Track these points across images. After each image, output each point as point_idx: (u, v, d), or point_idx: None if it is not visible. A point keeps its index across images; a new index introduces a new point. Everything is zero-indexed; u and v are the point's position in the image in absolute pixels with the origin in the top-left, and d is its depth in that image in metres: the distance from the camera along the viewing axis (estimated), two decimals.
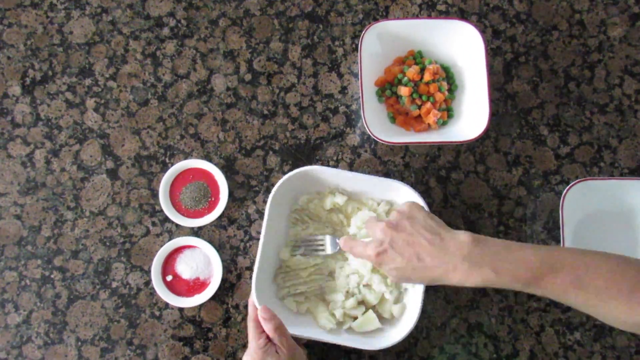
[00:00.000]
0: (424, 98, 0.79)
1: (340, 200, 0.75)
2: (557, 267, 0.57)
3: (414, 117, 0.80)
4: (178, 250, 0.79)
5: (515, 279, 0.58)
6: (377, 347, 0.71)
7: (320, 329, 0.73)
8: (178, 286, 0.78)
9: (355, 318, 0.74)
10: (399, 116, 0.81)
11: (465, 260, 0.59)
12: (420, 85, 0.79)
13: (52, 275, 0.78)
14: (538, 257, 0.58)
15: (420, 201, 0.71)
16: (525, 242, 0.63)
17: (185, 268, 0.78)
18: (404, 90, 0.78)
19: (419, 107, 0.79)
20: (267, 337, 0.66)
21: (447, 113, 0.80)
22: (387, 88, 0.81)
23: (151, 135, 0.82)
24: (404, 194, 0.74)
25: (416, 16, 0.86)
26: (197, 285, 0.78)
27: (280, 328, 0.65)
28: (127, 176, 0.81)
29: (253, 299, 0.70)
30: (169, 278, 0.78)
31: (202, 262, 0.78)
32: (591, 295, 0.57)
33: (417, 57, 0.81)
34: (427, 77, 0.78)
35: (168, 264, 0.79)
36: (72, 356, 0.77)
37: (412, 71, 0.78)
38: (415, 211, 0.64)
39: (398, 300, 0.74)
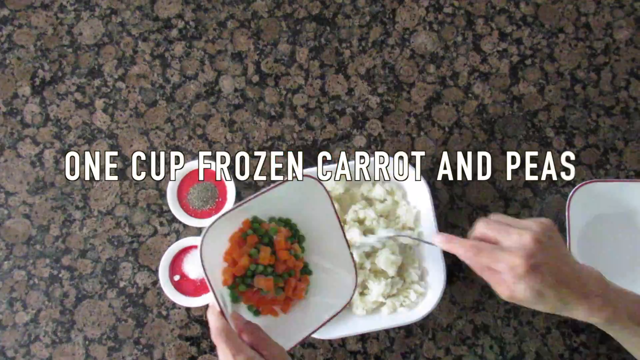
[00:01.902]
0: (284, 276, 0.63)
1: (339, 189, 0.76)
2: None
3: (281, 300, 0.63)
4: (185, 250, 0.79)
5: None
6: (410, 320, 0.72)
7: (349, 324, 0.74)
8: (185, 286, 0.78)
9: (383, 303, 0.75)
10: (264, 306, 0.63)
11: (600, 297, 0.55)
12: (278, 265, 0.62)
13: (60, 275, 0.79)
14: None
15: (424, 185, 0.72)
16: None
17: (192, 268, 0.79)
18: (265, 284, 0.60)
19: (283, 289, 0.63)
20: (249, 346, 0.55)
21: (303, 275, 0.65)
22: (239, 283, 0.61)
23: (159, 136, 0.82)
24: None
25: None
26: (204, 286, 0.79)
27: (259, 331, 0.56)
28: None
29: (215, 305, 0.57)
30: (176, 278, 0.79)
31: None
32: None
33: (255, 227, 0.63)
34: (282, 254, 0.62)
35: (175, 264, 0.79)
36: (79, 355, 0.77)
37: (265, 256, 0.60)
38: (557, 231, 0.56)
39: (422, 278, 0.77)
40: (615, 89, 0.85)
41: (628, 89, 0.85)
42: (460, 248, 0.56)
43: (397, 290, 0.75)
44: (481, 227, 0.57)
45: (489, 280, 0.56)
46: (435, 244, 0.59)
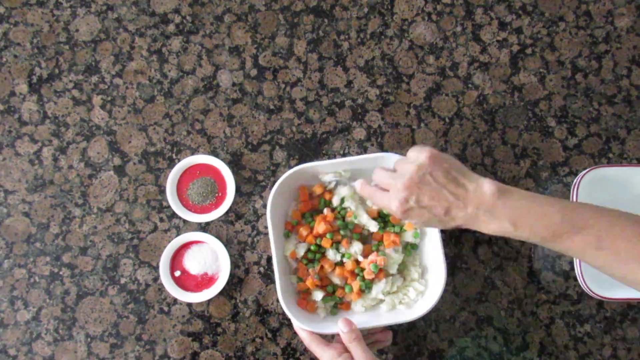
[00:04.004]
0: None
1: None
2: (578, 226, 0.57)
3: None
4: (186, 245, 0.79)
5: (533, 234, 0.58)
6: (408, 318, 0.71)
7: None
8: (186, 282, 0.78)
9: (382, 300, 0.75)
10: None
11: (487, 212, 0.59)
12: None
13: (61, 272, 0.79)
14: (559, 215, 0.58)
15: None
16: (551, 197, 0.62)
17: (193, 263, 0.78)
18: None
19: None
20: (336, 349, 0.67)
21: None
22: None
23: (158, 132, 0.82)
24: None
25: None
26: (205, 281, 0.78)
27: (359, 338, 0.67)
28: (134, 172, 0.81)
29: (297, 325, 0.71)
30: (177, 274, 0.78)
31: (210, 258, 0.79)
32: (611, 256, 0.56)
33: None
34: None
35: (176, 260, 0.79)
36: (81, 352, 0.77)
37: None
38: (438, 162, 0.62)
39: (422, 276, 0.76)
40: (617, 77, 0.84)
41: (630, 77, 0.84)
42: (363, 191, 0.70)
43: (397, 287, 0.75)
44: (377, 175, 0.68)
45: None
46: (355, 185, 0.71)
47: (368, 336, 0.72)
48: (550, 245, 0.59)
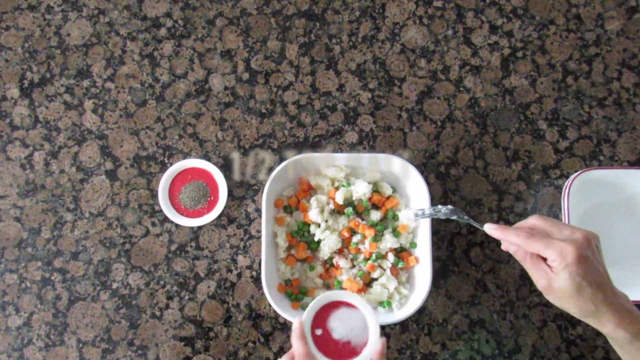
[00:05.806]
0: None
1: (339, 174, 0.76)
2: None
3: None
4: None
5: (635, 333, 0.55)
6: (392, 320, 0.71)
7: None
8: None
9: None
10: None
11: (631, 312, 0.55)
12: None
13: (52, 277, 0.78)
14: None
15: (412, 167, 0.74)
16: None
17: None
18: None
19: None
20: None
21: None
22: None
23: (150, 136, 0.82)
24: (394, 164, 0.75)
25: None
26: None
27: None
28: (126, 177, 0.81)
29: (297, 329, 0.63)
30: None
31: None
32: None
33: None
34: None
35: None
36: (73, 358, 0.77)
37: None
38: (598, 243, 0.58)
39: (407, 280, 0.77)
40: (607, 80, 0.84)
41: (620, 79, 0.84)
42: (512, 233, 0.58)
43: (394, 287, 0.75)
44: (534, 219, 0.59)
45: (529, 268, 0.58)
46: (486, 230, 0.62)
47: None
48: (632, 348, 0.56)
